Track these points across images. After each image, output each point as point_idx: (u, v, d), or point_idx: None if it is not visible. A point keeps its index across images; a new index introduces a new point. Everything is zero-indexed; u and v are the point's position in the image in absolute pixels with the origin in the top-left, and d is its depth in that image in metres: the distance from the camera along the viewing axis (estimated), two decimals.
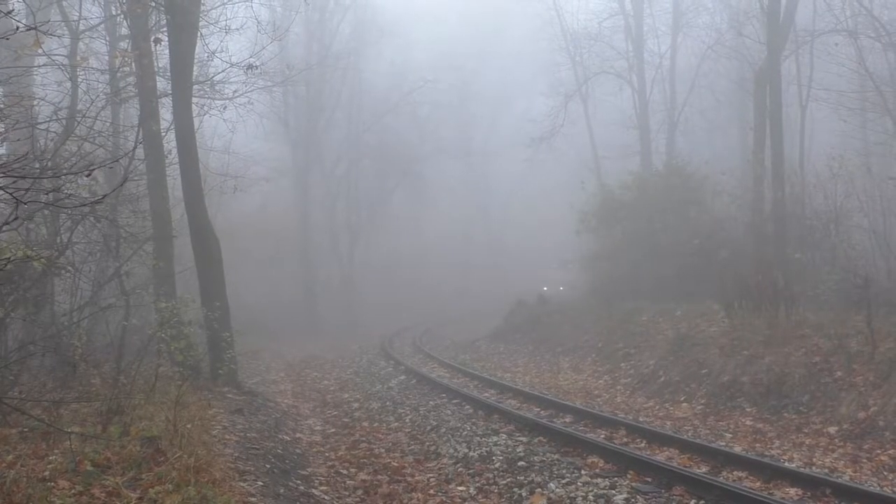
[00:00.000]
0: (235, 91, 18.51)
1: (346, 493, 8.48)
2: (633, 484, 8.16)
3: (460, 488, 8.56)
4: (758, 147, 21.70)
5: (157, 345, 11.70)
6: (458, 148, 54.61)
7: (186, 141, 14.70)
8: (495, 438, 10.72)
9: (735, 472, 8.65)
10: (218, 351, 13.96)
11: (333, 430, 12.59)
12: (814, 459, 9.42)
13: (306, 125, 43.62)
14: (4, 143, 10.61)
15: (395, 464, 9.77)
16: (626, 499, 7.66)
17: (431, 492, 8.49)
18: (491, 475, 8.90)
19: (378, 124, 46.09)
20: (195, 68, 16.02)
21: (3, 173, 5.54)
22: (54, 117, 11.94)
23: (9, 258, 5.78)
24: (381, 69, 46.67)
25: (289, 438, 11.23)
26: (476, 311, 40.90)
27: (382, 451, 10.67)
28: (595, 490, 7.93)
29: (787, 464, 9.05)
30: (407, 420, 12.93)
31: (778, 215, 19.83)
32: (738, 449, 9.90)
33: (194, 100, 16.36)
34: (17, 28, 5.54)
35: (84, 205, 8.05)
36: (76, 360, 10.32)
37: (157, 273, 13.77)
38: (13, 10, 6.69)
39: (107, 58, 17.51)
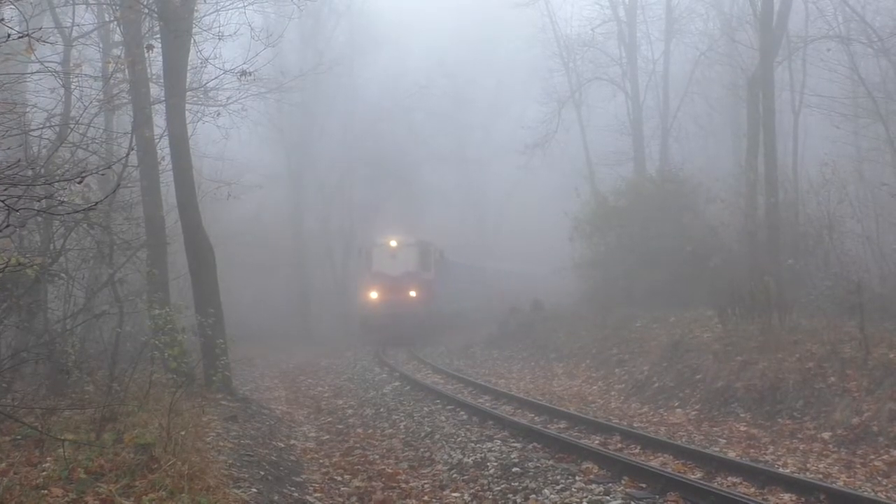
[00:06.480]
0: (229, 97, 18.53)
1: (341, 500, 8.47)
2: (628, 490, 8.16)
3: (455, 494, 8.55)
4: (751, 153, 21.76)
5: (150, 352, 11.66)
6: (452, 154, 54.55)
7: (180, 147, 14.69)
8: (490, 444, 10.72)
9: (729, 478, 8.67)
10: (212, 358, 13.92)
11: (328, 436, 12.58)
12: (808, 465, 9.43)
13: (300, 132, 43.51)
14: None
15: (390, 470, 9.76)
16: None
17: (426, 498, 8.48)
18: (485, 481, 8.89)
19: (372, 131, 45.98)
20: (188, 75, 16.00)
21: None
22: (47, 124, 11.90)
23: (5, 266, 5.76)
24: (375, 76, 46.60)
25: (283, 445, 11.21)
26: (471, 318, 40.80)
27: (377, 457, 10.66)
28: (590, 496, 7.93)
29: (781, 469, 9.06)
30: (401, 426, 12.91)
31: (771, 221, 19.85)
32: (732, 455, 9.91)
33: (188, 106, 16.36)
34: (10, 35, 5.53)
35: (77, 211, 8.02)
36: (70, 367, 10.29)
37: (150, 280, 13.72)
38: (4, 18, 6.68)
39: (100, 64, 17.51)
